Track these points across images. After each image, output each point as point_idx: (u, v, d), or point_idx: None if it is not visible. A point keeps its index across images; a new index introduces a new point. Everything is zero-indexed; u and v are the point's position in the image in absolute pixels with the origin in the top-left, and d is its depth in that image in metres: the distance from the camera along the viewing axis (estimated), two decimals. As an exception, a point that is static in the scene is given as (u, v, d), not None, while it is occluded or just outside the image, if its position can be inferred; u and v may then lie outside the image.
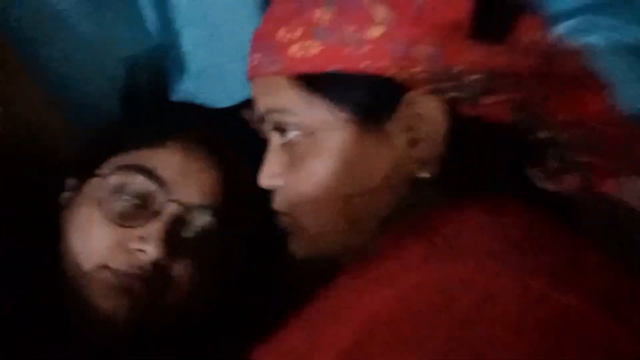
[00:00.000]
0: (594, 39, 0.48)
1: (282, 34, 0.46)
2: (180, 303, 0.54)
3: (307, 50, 0.44)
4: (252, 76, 0.50)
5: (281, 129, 0.48)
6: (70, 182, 0.58)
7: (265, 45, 0.48)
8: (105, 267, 0.51)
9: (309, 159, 0.46)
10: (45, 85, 0.62)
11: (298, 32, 0.45)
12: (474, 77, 0.41)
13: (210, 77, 0.64)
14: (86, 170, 0.57)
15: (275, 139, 0.49)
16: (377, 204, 0.45)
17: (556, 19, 0.47)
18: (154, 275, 0.51)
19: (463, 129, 0.43)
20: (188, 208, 0.53)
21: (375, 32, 0.42)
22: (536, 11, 0.47)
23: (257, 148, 0.58)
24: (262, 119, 0.49)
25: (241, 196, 0.58)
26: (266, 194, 0.51)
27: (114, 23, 0.63)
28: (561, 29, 0.48)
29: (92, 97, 0.63)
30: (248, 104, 0.59)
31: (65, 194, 0.58)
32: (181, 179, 0.54)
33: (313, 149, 0.46)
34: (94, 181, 0.55)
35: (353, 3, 0.43)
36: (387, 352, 0.30)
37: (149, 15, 0.64)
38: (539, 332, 0.28)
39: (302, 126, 0.46)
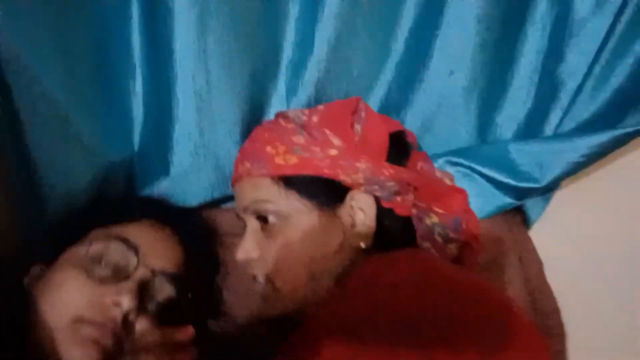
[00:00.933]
0: (450, 170, 0.76)
1: (269, 149, 0.63)
2: (135, 356, 0.56)
3: (288, 160, 0.62)
4: (242, 177, 0.66)
5: (261, 216, 0.63)
6: (36, 268, 0.62)
7: (255, 156, 0.64)
8: (81, 319, 0.54)
9: (284, 235, 0.61)
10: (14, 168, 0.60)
11: (281, 149, 0.63)
12: (390, 183, 0.63)
13: (185, 181, 0.74)
14: (56, 243, 0.61)
15: (252, 224, 0.64)
16: (332, 265, 0.60)
17: (430, 157, 0.75)
18: (122, 329, 0.55)
19: (385, 215, 0.63)
20: (155, 273, 0.60)
21: (332, 152, 0.62)
22: (420, 150, 0.75)
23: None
24: (245, 209, 0.65)
25: (195, 269, 0.66)
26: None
27: (106, 126, 0.68)
28: (437, 163, 0.77)
29: (65, 189, 0.65)
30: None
31: (34, 272, 0.62)
32: (151, 249, 0.61)
33: (287, 228, 0.61)
34: (73, 250, 0.60)
35: (318, 134, 0.63)
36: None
37: (136, 122, 0.72)
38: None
39: (279, 212, 0.61)
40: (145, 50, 0.69)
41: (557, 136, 0.72)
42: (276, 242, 0.62)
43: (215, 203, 0.80)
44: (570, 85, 0.70)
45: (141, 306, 0.57)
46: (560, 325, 0.81)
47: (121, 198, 0.75)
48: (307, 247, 0.61)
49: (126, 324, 0.56)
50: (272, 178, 0.63)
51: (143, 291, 0.58)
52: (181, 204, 0.77)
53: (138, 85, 0.72)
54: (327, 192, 0.63)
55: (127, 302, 0.55)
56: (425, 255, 0.62)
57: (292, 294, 0.61)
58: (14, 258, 0.62)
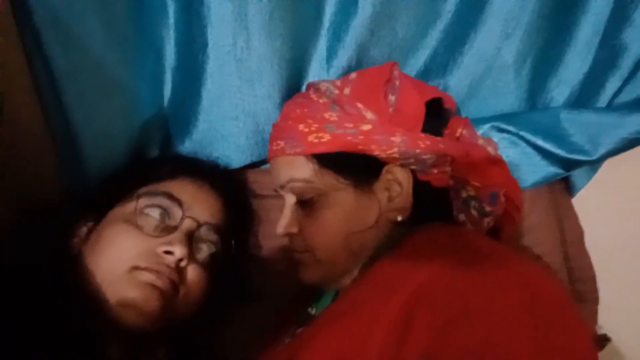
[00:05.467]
0: (496, 137, 0.73)
1: (301, 127, 0.63)
2: (189, 303, 0.63)
3: (320, 138, 0.62)
4: (276, 156, 0.66)
5: (299, 193, 0.64)
6: (83, 229, 0.65)
7: (287, 135, 0.64)
8: (138, 268, 0.58)
9: (323, 211, 0.62)
10: (57, 128, 0.64)
11: (314, 127, 0.63)
12: (426, 156, 0.61)
13: (210, 139, 0.77)
14: (98, 205, 0.65)
15: (290, 199, 0.65)
16: (369, 239, 0.62)
17: (475, 122, 0.72)
18: (175, 275, 0.60)
19: (421, 189, 0.63)
20: (199, 224, 0.64)
21: (366, 127, 0.61)
22: (461, 116, 0.71)
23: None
24: (282, 187, 0.66)
25: (236, 223, 0.70)
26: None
27: (142, 80, 0.69)
28: (479, 129, 0.73)
29: (106, 147, 0.69)
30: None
31: (81, 232, 0.65)
32: (194, 202, 0.65)
33: (325, 205, 0.62)
34: (121, 206, 0.64)
35: (351, 109, 0.62)
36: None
37: (167, 80, 0.73)
38: None
39: (315, 191, 0.62)
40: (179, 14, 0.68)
41: (613, 109, 0.67)
42: (314, 219, 0.63)
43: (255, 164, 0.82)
44: (634, 51, 0.63)
45: (190, 255, 0.62)
46: (594, 291, 0.81)
47: (159, 156, 0.79)
48: (345, 223, 0.62)
49: (179, 270, 0.61)
50: (307, 156, 0.63)
51: (190, 241, 0.63)
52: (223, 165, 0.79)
53: (170, 46, 0.70)
54: (362, 168, 0.62)
55: (178, 250, 0.60)
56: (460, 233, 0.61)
57: (332, 264, 0.63)
58: (58, 207, 0.68)
